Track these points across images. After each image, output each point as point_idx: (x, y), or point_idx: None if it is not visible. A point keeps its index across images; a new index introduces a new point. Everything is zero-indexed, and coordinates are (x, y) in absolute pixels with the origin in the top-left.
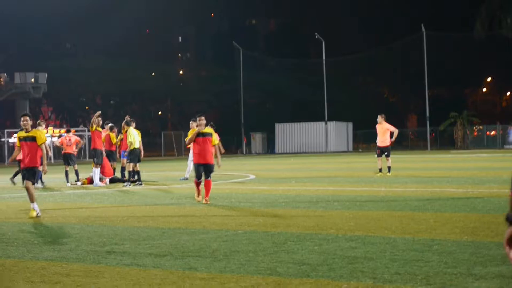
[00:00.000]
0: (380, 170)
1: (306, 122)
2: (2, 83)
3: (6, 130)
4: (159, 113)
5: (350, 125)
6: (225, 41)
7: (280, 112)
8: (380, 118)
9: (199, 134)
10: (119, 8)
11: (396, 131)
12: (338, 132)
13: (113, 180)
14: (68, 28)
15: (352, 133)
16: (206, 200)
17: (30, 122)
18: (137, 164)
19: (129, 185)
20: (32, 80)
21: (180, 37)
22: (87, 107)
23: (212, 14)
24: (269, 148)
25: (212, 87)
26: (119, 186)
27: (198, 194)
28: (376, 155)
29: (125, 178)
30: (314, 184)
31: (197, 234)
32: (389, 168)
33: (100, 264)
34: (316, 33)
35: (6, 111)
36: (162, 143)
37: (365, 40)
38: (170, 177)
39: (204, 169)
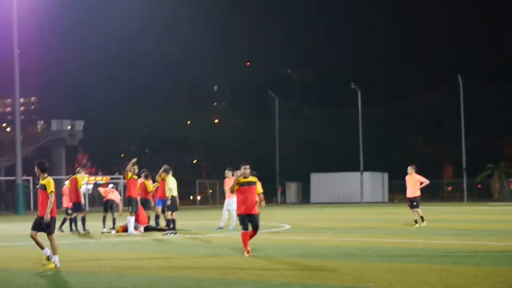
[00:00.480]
0: (416, 221)
1: (341, 172)
2: (39, 130)
3: None
4: (194, 161)
5: (386, 175)
6: (261, 90)
7: (315, 161)
8: (410, 169)
9: (243, 183)
10: (154, 55)
11: (426, 182)
12: (374, 182)
13: (147, 229)
14: (103, 74)
15: (387, 183)
16: (248, 251)
17: (37, 170)
18: (174, 213)
19: (170, 233)
20: (69, 127)
21: (216, 86)
22: (122, 155)
23: (249, 63)
24: (304, 198)
25: (247, 135)
26: (154, 234)
27: (247, 249)
28: (409, 207)
29: (159, 227)
30: (351, 235)
31: (234, 285)
32: (422, 218)
33: None
34: (351, 83)
35: (42, 158)
36: (196, 191)
37: (401, 90)
38: (205, 226)
39: (249, 220)
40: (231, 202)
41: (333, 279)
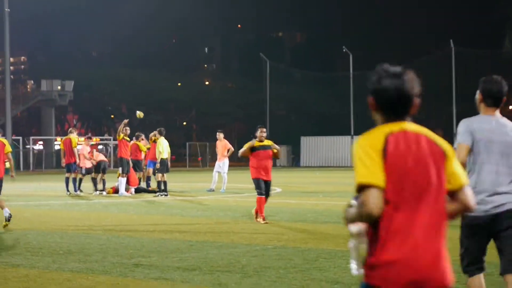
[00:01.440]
0: None
1: (332, 136)
2: (28, 90)
3: (31, 137)
4: (184, 123)
5: None
6: (252, 52)
7: (306, 125)
8: None
9: (259, 147)
10: (145, 18)
11: None
12: None
13: (138, 190)
14: (95, 37)
15: None
16: (264, 218)
17: None
18: (165, 175)
19: (161, 195)
20: (59, 87)
21: (206, 48)
22: (112, 116)
23: (239, 26)
24: (294, 161)
25: (237, 98)
26: (145, 196)
27: (261, 212)
28: None
29: (150, 188)
30: (342, 199)
31: (226, 248)
32: None
33: (127, 277)
34: (343, 47)
35: (32, 118)
36: (187, 153)
37: (394, 55)
38: (196, 188)
39: (265, 186)
40: (222, 164)
41: (327, 243)
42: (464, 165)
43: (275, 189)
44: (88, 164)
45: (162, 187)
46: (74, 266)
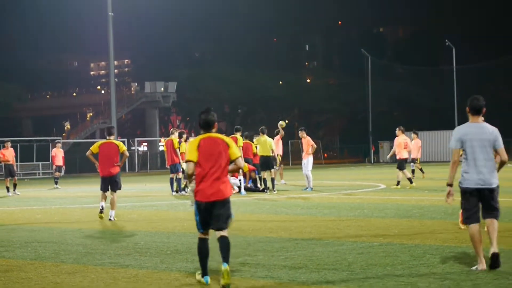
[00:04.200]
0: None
1: (436, 130)
2: (132, 92)
3: (136, 139)
4: (286, 121)
5: None
6: (353, 48)
7: (409, 120)
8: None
9: None
10: (246, 17)
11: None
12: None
13: (246, 189)
14: (196, 37)
15: None
16: None
17: None
18: (272, 172)
19: (263, 191)
20: (162, 89)
21: (307, 46)
22: None
23: (340, 22)
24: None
25: (340, 95)
26: (250, 194)
27: None
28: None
29: (258, 187)
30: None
31: (332, 246)
32: (409, 179)
33: (234, 276)
34: (446, 40)
35: (136, 120)
36: (289, 151)
37: (497, 48)
38: (299, 185)
39: None
40: (306, 162)
41: (433, 239)
42: (457, 162)
43: (378, 185)
44: None
45: (269, 184)
46: (182, 266)
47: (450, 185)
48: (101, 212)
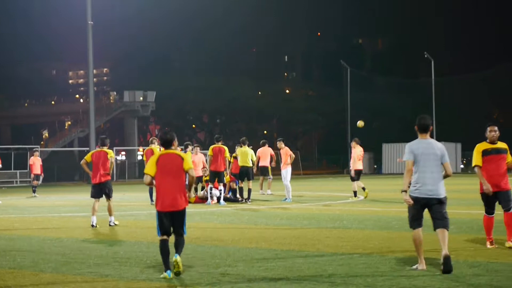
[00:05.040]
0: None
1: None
2: (111, 101)
3: (115, 148)
4: (265, 132)
5: (459, 145)
6: (332, 60)
7: (387, 131)
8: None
9: (491, 151)
10: (226, 28)
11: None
12: (447, 152)
13: (225, 200)
14: (175, 46)
15: (460, 153)
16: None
17: None
18: (251, 182)
19: (244, 201)
20: (141, 98)
21: (286, 56)
22: (193, 126)
23: (319, 33)
24: (376, 169)
25: (318, 106)
26: (228, 205)
27: (489, 235)
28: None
29: (236, 197)
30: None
31: (312, 257)
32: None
33: (215, 287)
34: (425, 52)
35: (114, 129)
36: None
37: (475, 60)
38: (279, 196)
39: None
40: (285, 173)
41: (413, 251)
42: (411, 171)
43: (359, 197)
44: None
45: (246, 195)
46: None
47: (405, 191)
48: (92, 226)
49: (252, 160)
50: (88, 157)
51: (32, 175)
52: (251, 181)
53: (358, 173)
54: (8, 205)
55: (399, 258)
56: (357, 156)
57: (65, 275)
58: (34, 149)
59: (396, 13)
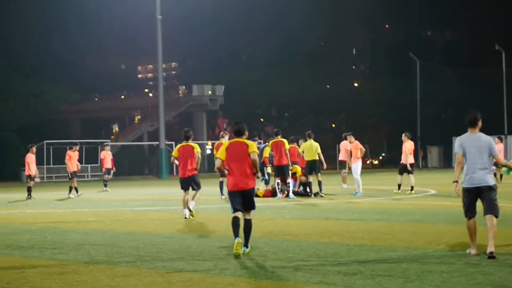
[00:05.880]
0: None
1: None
2: (180, 95)
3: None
4: (333, 125)
5: None
6: (401, 52)
7: (458, 124)
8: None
9: None
10: (294, 21)
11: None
12: None
13: (296, 194)
14: (243, 40)
15: None
16: None
17: None
18: (319, 175)
19: (316, 195)
20: (210, 92)
21: (354, 49)
22: (262, 119)
23: (387, 26)
24: (446, 162)
25: (387, 99)
26: (299, 199)
27: None
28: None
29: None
30: (502, 201)
31: (385, 252)
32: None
33: (289, 281)
34: (496, 44)
35: (184, 123)
36: (336, 156)
37: None
38: (349, 191)
39: None
40: (356, 167)
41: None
42: (461, 163)
43: (428, 191)
44: None
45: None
46: (236, 270)
47: (456, 181)
48: (186, 217)
49: (318, 153)
50: (175, 153)
51: (104, 169)
52: (319, 173)
53: (411, 166)
54: (80, 199)
55: (474, 253)
56: (408, 150)
57: (139, 269)
58: (105, 143)
59: (464, 4)
